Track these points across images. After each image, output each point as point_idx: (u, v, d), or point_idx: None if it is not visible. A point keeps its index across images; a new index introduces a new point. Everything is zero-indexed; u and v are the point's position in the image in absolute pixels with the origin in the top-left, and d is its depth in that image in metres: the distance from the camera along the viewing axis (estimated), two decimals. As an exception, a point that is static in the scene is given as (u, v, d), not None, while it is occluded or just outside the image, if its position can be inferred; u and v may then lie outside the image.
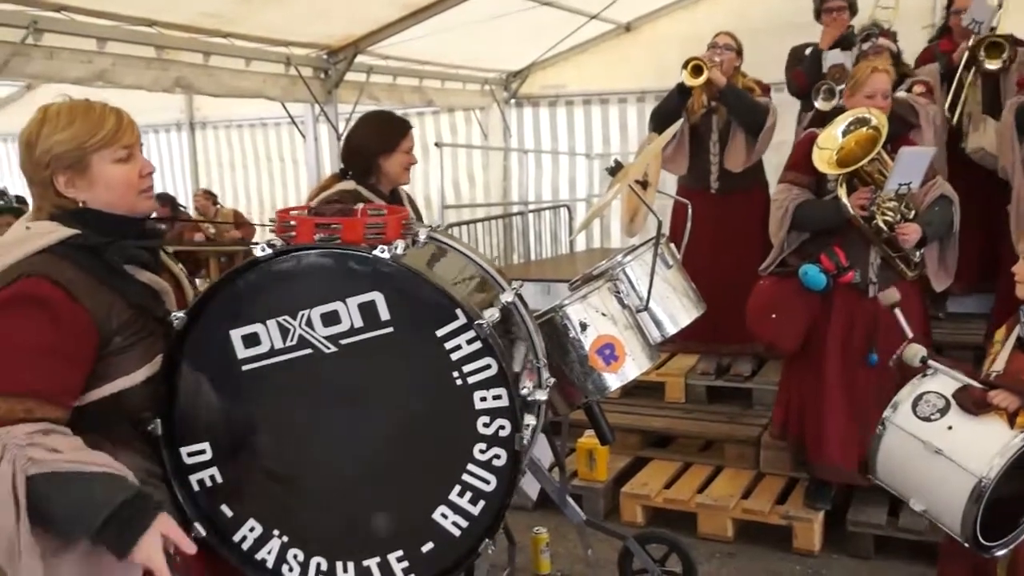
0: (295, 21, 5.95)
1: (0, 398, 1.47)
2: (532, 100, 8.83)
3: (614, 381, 2.47)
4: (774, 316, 3.55)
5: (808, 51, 4.78)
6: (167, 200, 8.76)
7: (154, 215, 1.88)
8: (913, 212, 3.40)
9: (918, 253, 3.46)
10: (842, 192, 3.34)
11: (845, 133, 3.35)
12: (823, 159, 3.35)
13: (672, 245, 2.82)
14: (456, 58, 7.76)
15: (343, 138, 3.05)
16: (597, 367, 2.45)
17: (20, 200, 8.06)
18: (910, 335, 2.52)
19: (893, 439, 2.31)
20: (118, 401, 1.62)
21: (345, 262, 1.66)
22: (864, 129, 3.31)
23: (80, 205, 1.64)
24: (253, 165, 9.79)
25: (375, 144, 2.94)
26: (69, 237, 1.60)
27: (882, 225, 3.33)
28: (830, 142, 3.36)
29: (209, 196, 8.55)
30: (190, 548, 1.55)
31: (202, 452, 1.72)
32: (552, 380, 2.10)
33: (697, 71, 4.22)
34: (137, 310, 1.64)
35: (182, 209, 8.80)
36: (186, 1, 5.24)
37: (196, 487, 1.73)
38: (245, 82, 6.02)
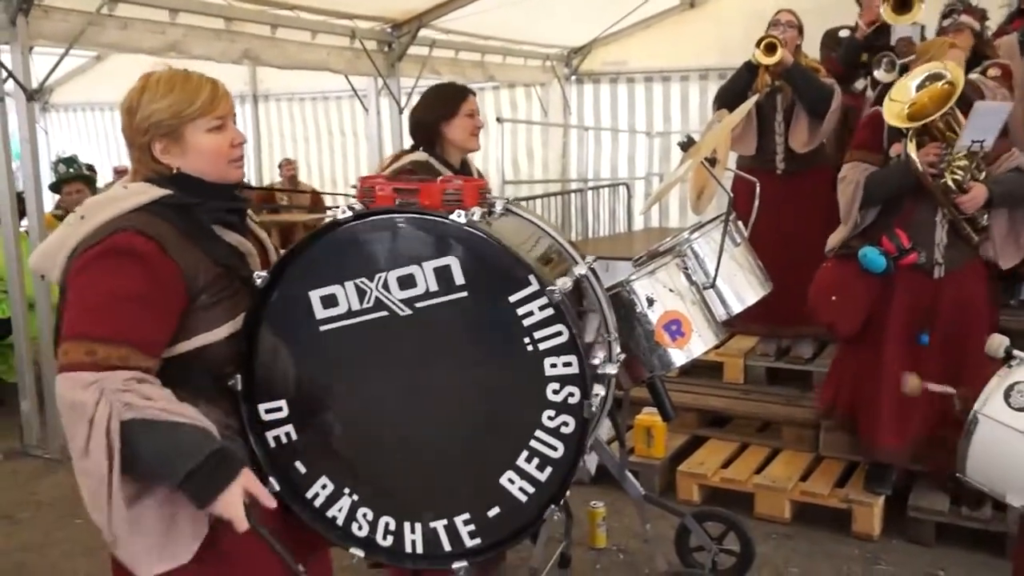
0: (360, -6, 6.01)
1: (99, 343, 1.52)
2: (593, 77, 8.77)
3: (680, 357, 2.46)
4: (834, 298, 3.50)
5: (843, 33, 4.70)
6: None
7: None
8: (984, 174, 3.30)
9: (985, 217, 3.35)
10: (911, 147, 3.25)
11: (919, 87, 3.24)
12: (893, 112, 3.25)
13: (740, 223, 2.79)
14: (518, 34, 7.74)
15: (409, 114, 3.06)
16: (663, 342, 2.44)
17: (90, 168, 8.32)
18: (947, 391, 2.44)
19: (986, 432, 2.18)
20: (202, 356, 1.67)
21: (422, 226, 1.68)
22: (939, 84, 3.20)
23: (174, 171, 1.70)
24: (315, 138, 9.90)
25: (436, 112, 2.94)
26: (162, 197, 1.66)
27: (951, 184, 3.24)
28: (903, 94, 3.26)
29: (292, 165, 8.72)
30: (270, 502, 1.60)
31: (279, 409, 1.75)
32: (623, 354, 2.09)
33: (771, 49, 4.13)
34: (223, 269, 1.69)
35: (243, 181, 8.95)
36: (256, -27, 5.33)
37: (272, 443, 1.77)
38: (310, 54, 6.10)
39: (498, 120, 7.33)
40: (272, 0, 5.69)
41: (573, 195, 7.89)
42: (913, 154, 3.24)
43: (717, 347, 4.52)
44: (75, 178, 5.30)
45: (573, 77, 8.82)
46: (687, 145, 2.66)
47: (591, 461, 3.50)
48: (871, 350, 3.51)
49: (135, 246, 1.58)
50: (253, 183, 9.67)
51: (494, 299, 1.67)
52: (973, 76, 3.82)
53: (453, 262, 1.66)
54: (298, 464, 1.79)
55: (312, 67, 6.27)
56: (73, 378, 1.50)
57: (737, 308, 2.68)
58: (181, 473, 1.49)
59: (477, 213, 1.67)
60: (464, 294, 1.67)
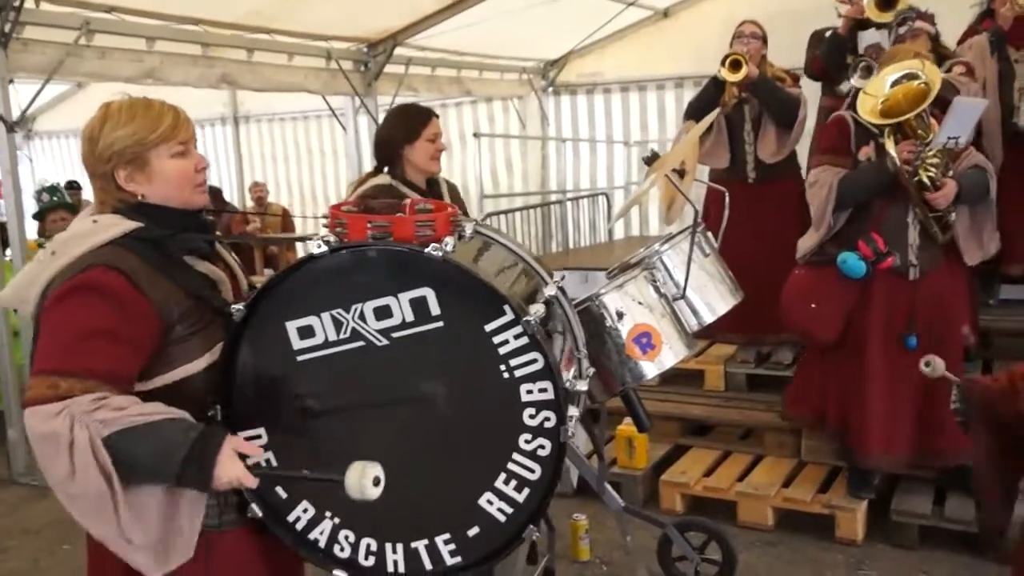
0: (335, 16, 6.06)
1: (63, 377, 1.54)
2: (570, 88, 8.86)
3: (651, 369, 2.49)
4: (813, 306, 3.51)
5: (828, 34, 4.77)
6: (213, 192, 8.97)
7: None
8: (951, 172, 3.35)
9: (953, 214, 3.39)
10: (890, 144, 3.27)
11: (894, 84, 3.28)
12: (867, 107, 3.28)
13: (709, 233, 2.84)
14: (494, 48, 7.82)
15: (374, 134, 3.09)
16: (634, 356, 2.48)
17: (73, 185, 8.36)
18: (956, 380, 2.42)
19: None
20: (181, 388, 1.70)
21: (397, 259, 1.72)
22: (915, 84, 3.24)
23: (139, 199, 1.72)
24: (295, 157, 9.95)
25: (398, 134, 2.97)
26: (133, 230, 1.69)
27: (925, 181, 3.26)
28: (877, 89, 3.30)
29: (260, 188, 8.76)
30: (257, 452, 1.64)
31: (258, 437, 1.79)
32: (592, 370, 2.14)
33: (736, 66, 4.20)
34: (196, 300, 1.72)
35: (227, 202, 8.99)
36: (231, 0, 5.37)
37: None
38: (287, 76, 6.15)
39: (475, 135, 7.40)
40: (248, 25, 5.73)
41: (553, 206, 7.95)
42: (892, 151, 3.26)
43: (696, 356, 4.62)
44: (59, 206, 5.32)
45: (550, 89, 8.90)
46: (651, 160, 2.72)
47: (573, 473, 3.54)
48: (853, 358, 3.51)
49: (105, 282, 1.61)
50: (236, 203, 9.71)
51: (470, 328, 1.71)
52: (943, 75, 3.90)
53: (428, 293, 1.70)
54: (278, 489, 1.83)
55: (289, 89, 6.32)
56: (39, 411, 1.52)
57: (709, 318, 2.72)
58: (176, 466, 1.52)
59: (450, 244, 1.70)
60: (440, 324, 1.71)
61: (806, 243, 3.58)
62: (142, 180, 1.71)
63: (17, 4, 4.26)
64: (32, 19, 4.48)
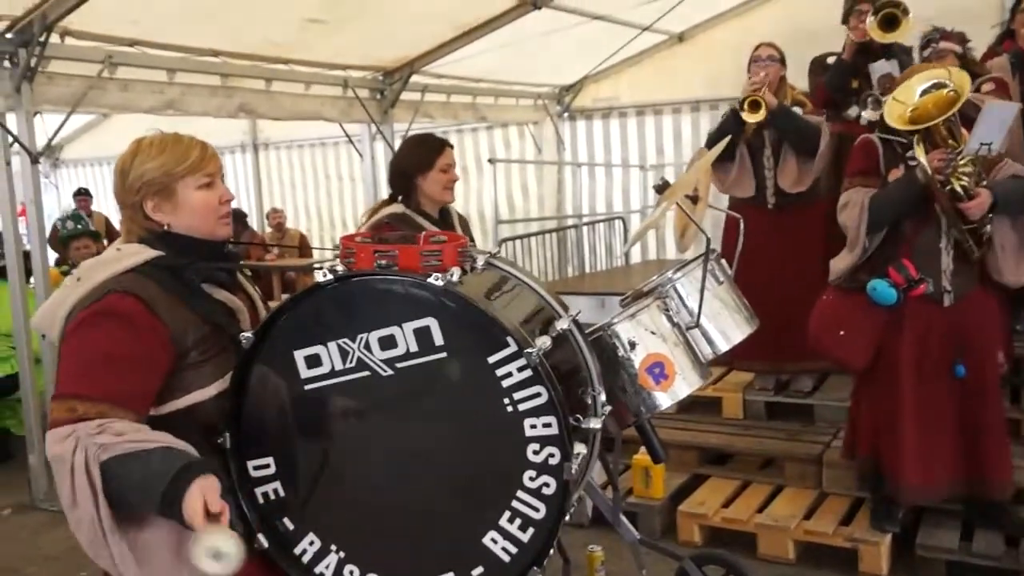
0: (352, 45, 6.13)
1: (78, 400, 1.60)
2: (585, 113, 8.88)
3: (665, 400, 2.47)
4: (842, 333, 3.43)
5: (830, 60, 4.75)
6: (237, 216, 9.07)
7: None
8: (985, 182, 3.24)
9: (988, 228, 3.26)
10: (920, 152, 3.17)
11: (923, 93, 3.20)
12: (895, 113, 3.20)
13: (723, 261, 2.82)
14: (509, 74, 7.86)
15: (388, 163, 3.13)
16: (647, 386, 2.45)
17: (81, 192, 8.48)
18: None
19: None
20: (192, 414, 1.74)
21: (402, 289, 1.72)
22: (944, 92, 3.15)
23: (165, 228, 1.79)
24: (313, 184, 10.04)
25: (412, 164, 3.00)
26: (153, 258, 1.76)
27: (958, 190, 3.15)
28: (907, 96, 3.22)
29: (279, 214, 8.86)
30: (215, 506, 1.54)
31: (267, 466, 1.80)
32: (608, 407, 2.11)
33: (755, 106, 4.18)
34: (212, 327, 1.77)
35: (249, 226, 9.09)
36: (249, 31, 5.46)
37: (260, 499, 1.81)
38: (304, 105, 6.21)
39: (490, 161, 7.42)
40: (266, 55, 5.81)
41: (570, 231, 7.95)
42: (923, 158, 3.15)
43: (714, 383, 4.58)
44: (82, 234, 5.40)
45: (565, 114, 8.93)
46: (662, 188, 2.71)
47: (588, 503, 3.50)
48: (885, 386, 3.42)
49: (122, 307, 1.67)
50: (256, 228, 9.79)
51: (473, 360, 1.71)
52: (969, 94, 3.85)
53: (432, 323, 1.70)
54: (286, 520, 1.82)
55: (306, 117, 6.38)
56: (54, 433, 1.59)
57: (723, 347, 2.69)
58: (157, 498, 1.52)
59: (456, 274, 1.70)
60: (444, 355, 1.71)
61: (839, 264, 3.47)
62: (168, 210, 1.79)
63: (42, 39, 4.35)
64: (57, 53, 4.58)
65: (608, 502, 2.91)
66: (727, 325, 2.72)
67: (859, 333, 3.42)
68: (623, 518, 2.91)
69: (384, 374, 1.73)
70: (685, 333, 2.56)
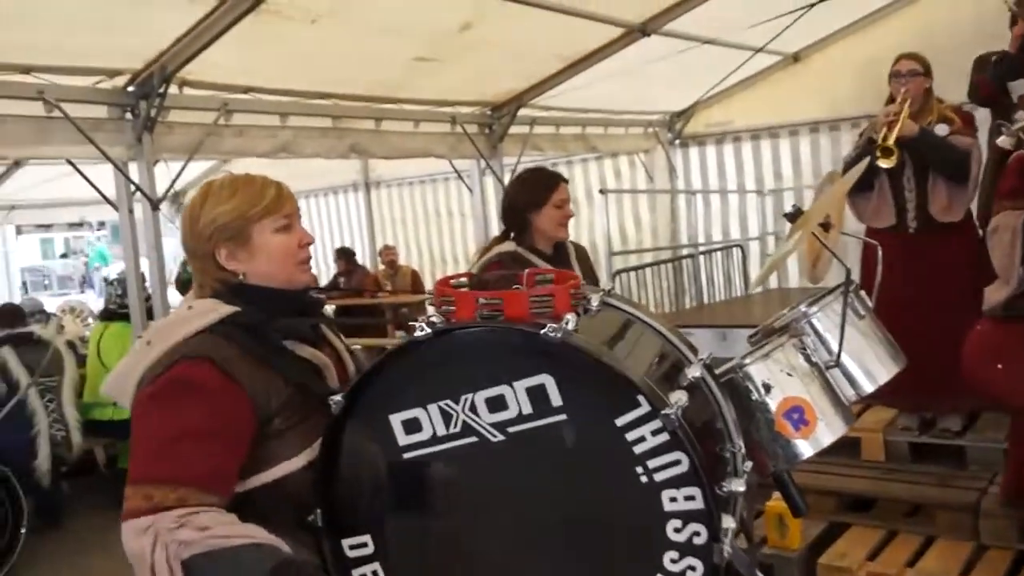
0: (459, 82, 6.15)
1: (154, 486, 1.45)
2: (698, 139, 8.66)
3: (806, 448, 2.22)
4: (1000, 366, 3.14)
5: (995, 58, 4.37)
6: (344, 253, 9.28)
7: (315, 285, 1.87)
8: None
9: None
10: None
11: None
12: None
13: (863, 292, 2.58)
14: (618, 103, 7.74)
15: (501, 198, 3.05)
16: (786, 433, 2.22)
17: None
18: None
19: None
20: (280, 488, 1.58)
21: (509, 341, 1.51)
22: None
23: (240, 278, 1.64)
24: (424, 220, 10.13)
25: (524, 201, 2.91)
26: (229, 315, 1.59)
27: None
28: None
29: (391, 251, 8.97)
30: None
31: (364, 545, 1.61)
32: (750, 464, 1.89)
33: (888, 152, 3.86)
34: (297, 388, 1.61)
35: (360, 264, 9.24)
36: (359, 72, 5.55)
37: None
38: (413, 143, 6.26)
39: (601, 192, 7.29)
40: (375, 96, 5.88)
41: (685, 261, 7.70)
42: None
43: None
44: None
45: (677, 141, 8.72)
46: (794, 216, 2.50)
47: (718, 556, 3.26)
48: None
49: (196, 376, 1.52)
50: (368, 267, 9.96)
51: (598, 423, 1.47)
52: None
53: (548, 380, 1.48)
54: None
55: (415, 155, 6.42)
56: (131, 525, 1.43)
57: (868, 388, 2.45)
58: None
59: (571, 322, 1.46)
60: (563, 416, 1.48)
61: (994, 296, 3.19)
62: (244, 258, 1.63)
63: (161, 91, 4.51)
64: (175, 103, 4.74)
65: (743, 554, 2.68)
66: (871, 363, 2.48)
67: (1021, 366, 3.10)
68: (758, 573, 2.68)
69: (494, 440, 1.51)
70: (825, 373, 2.34)
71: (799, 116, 7.84)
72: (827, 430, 2.24)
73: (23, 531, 4.80)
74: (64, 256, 25.83)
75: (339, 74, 5.43)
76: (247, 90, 5.13)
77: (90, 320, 6.65)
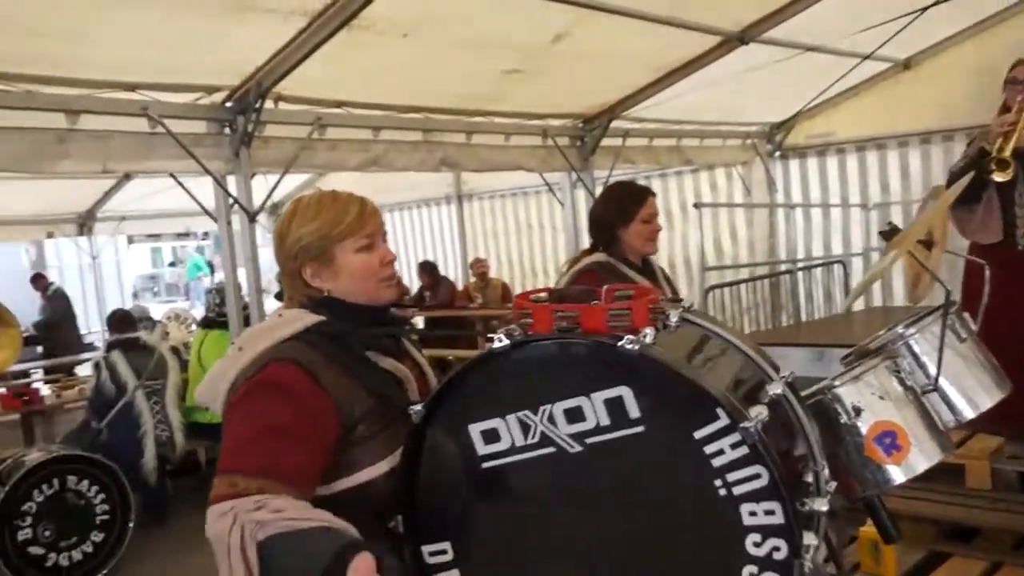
0: (551, 94, 6.13)
1: (239, 476, 1.51)
2: (798, 151, 8.38)
3: (898, 475, 2.11)
4: None
5: None
6: (427, 266, 9.42)
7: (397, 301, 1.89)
8: None
9: None
10: None
11: None
12: None
13: (966, 315, 2.43)
14: (715, 114, 7.57)
15: (588, 211, 3.02)
16: (876, 458, 2.12)
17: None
18: None
19: None
20: (363, 492, 1.62)
21: (588, 354, 1.53)
22: None
23: (325, 294, 1.70)
24: (515, 233, 10.15)
25: (612, 216, 2.89)
26: (315, 324, 1.66)
27: None
28: None
29: (482, 263, 9.04)
30: None
31: (443, 552, 1.64)
32: (833, 484, 1.81)
33: (1004, 165, 3.67)
34: (379, 398, 1.65)
35: (443, 276, 9.32)
36: (450, 85, 5.59)
37: None
38: (504, 156, 6.27)
39: (695, 206, 7.14)
40: (466, 109, 5.92)
41: (783, 276, 7.47)
42: None
43: (955, 449, 4.03)
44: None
45: (777, 153, 8.47)
46: (890, 234, 2.37)
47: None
48: None
49: (284, 377, 1.58)
50: (459, 278, 10.05)
51: (676, 435, 1.47)
52: None
53: (626, 393, 1.48)
54: None
55: (506, 168, 6.42)
56: (214, 509, 1.49)
57: (968, 414, 2.31)
58: None
59: (650, 335, 1.47)
60: (641, 428, 1.48)
61: None
62: (328, 276, 1.70)
63: (258, 106, 4.65)
64: (271, 118, 4.87)
65: (830, 582, 2.55)
66: (972, 388, 2.33)
67: None
68: (848, 606, 2.55)
69: (572, 451, 1.52)
70: (921, 398, 2.21)
71: (909, 126, 7.49)
72: (921, 456, 2.13)
73: (131, 525, 5.04)
74: (172, 265, 27.06)
75: (430, 87, 5.48)
76: (340, 104, 5.23)
77: (193, 327, 6.93)
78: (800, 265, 7.71)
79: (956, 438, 4.10)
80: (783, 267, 7.82)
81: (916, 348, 2.30)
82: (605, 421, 1.49)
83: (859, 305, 7.43)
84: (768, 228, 8.46)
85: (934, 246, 2.61)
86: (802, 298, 7.34)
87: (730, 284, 6.94)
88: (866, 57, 6.79)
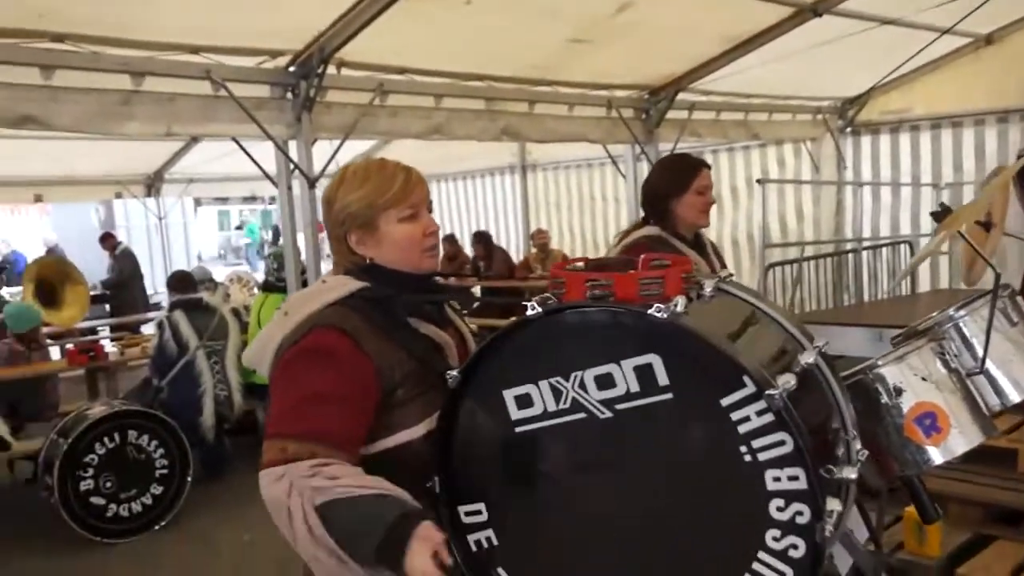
0: (616, 64, 6.07)
1: (289, 440, 1.57)
2: (871, 127, 8.16)
3: (936, 456, 2.10)
4: None
5: None
6: (482, 237, 9.48)
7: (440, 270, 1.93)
8: None
9: None
10: None
11: None
12: None
13: (1020, 299, 2.38)
14: (785, 88, 7.42)
15: (641, 185, 3.01)
16: (915, 438, 2.11)
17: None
18: None
19: None
20: (401, 453, 1.67)
21: (618, 321, 1.55)
22: None
23: (368, 262, 1.75)
24: (577, 205, 10.12)
25: (665, 186, 2.86)
26: (358, 289, 1.70)
27: None
28: None
29: (543, 234, 9.04)
30: (445, 557, 1.52)
31: (478, 512, 1.68)
32: (864, 453, 1.82)
33: None
34: (419, 363, 1.69)
35: (497, 247, 9.28)
36: (513, 54, 5.57)
37: (473, 547, 1.69)
38: (567, 127, 6.24)
39: (757, 182, 7.03)
40: (530, 78, 5.91)
41: (848, 256, 7.31)
42: None
43: (1008, 433, 3.94)
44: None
45: (848, 129, 8.25)
46: (941, 215, 2.33)
47: (844, 560, 3.12)
48: None
49: (328, 343, 1.63)
50: (520, 248, 10.08)
51: (704, 402, 1.50)
52: None
53: (655, 360, 1.51)
54: (500, 570, 1.69)
55: (570, 139, 6.40)
56: (268, 473, 1.55)
57: (1015, 398, 2.26)
58: (371, 551, 1.47)
59: (680, 303, 1.50)
60: (669, 395, 1.51)
61: None
62: (371, 244, 1.73)
63: (320, 71, 4.69)
64: (333, 84, 4.91)
65: (870, 559, 2.54)
66: (1020, 372, 2.29)
67: None
68: (885, 579, 2.54)
69: (602, 416, 1.56)
70: (965, 380, 2.18)
71: (988, 103, 7.25)
72: (961, 438, 2.12)
73: (189, 480, 5.23)
74: (239, 228, 27.42)
75: (493, 56, 5.47)
76: (402, 71, 5.25)
77: (255, 290, 7.05)
78: (866, 244, 7.53)
79: (1009, 423, 4.01)
80: (848, 246, 7.65)
81: (965, 330, 2.27)
82: (635, 388, 1.53)
83: (924, 285, 7.27)
84: (835, 206, 8.28)
85: (993, 228, 2.54)
86: (865, 278, 7.18)
87: (792, 261, 6.82)
88: (946, 31, 6.55)
